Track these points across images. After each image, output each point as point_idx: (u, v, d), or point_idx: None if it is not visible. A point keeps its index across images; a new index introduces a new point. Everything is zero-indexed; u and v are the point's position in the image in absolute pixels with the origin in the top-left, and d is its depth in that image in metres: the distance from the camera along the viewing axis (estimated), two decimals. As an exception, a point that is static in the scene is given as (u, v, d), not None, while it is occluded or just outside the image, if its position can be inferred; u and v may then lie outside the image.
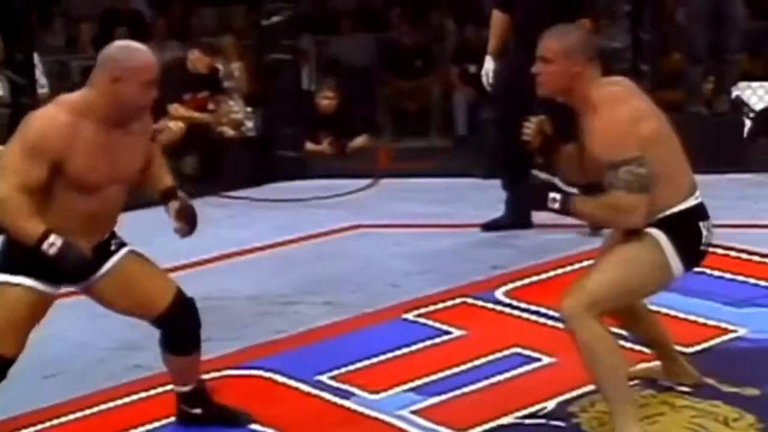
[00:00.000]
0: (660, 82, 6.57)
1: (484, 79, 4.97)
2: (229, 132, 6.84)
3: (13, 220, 2.60)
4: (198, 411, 3.02)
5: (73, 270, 2.65)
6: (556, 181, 2.84)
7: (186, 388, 3.00)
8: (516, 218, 5.00)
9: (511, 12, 4.86)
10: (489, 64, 4.92)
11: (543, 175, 2.82)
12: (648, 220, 2.72)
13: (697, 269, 4.01)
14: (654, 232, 2.74)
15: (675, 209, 2.75)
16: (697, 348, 3.51)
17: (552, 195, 2.72)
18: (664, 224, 2.74)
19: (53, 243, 2.59)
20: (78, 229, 2.69)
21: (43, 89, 6.68)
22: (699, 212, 2.80)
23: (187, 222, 2.93)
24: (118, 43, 2.78)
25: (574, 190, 2.89)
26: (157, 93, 2.74)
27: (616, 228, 2.84)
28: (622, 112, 2.69)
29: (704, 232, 2.79)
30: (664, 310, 3.83)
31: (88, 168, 2.65)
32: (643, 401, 3.07)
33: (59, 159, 2.62)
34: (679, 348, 3.46)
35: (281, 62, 6.60)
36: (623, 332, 3.15)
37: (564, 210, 2.73)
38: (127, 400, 3.27)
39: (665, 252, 2.74)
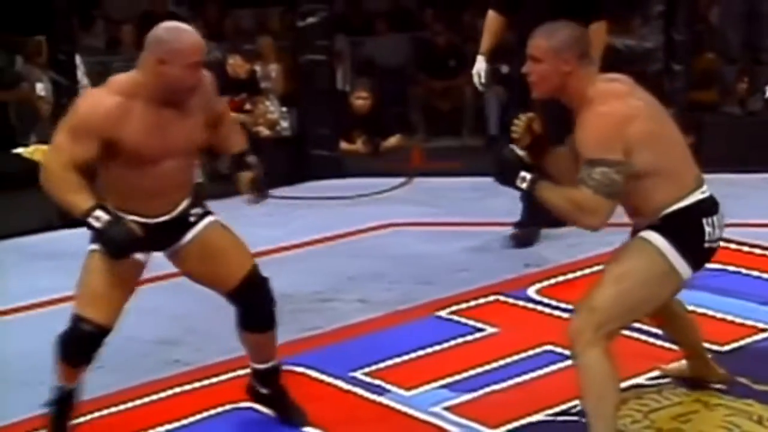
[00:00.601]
0: (693, 82, 6.49)
1: (475, 79, 4.87)
2: (264, 132, 6.87)
3: (63, 194, 2.66)
4: (266, 391, 3.02)
5: (116, 245, 2.66)
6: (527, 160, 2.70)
7: (261, 366, 3.00)
8: (538, 216, 4.96)
9: (509, 14, 4.75)
10: (480, 64, 4.82)
11: (519, 152, 2.69)
12: (650, 218, 2.64)
13: (732, 269, 3.97)
14: (654, 237, 2.63)
15: (676, 206, 2.64)
16: (731, 347, 3.48)
17: (523, 173, 2.63)
18: (666, 223, 2.64)
19: (98, 217, 2.64)
20: (141, 203, 2.76)
21: (84, 89, 6.76)
22: (703, 208, 2.67)
23: (259, 193, 2.94)
24: (165, 25, 2.78)
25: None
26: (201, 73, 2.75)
27: (574, 225, 2.67)
28: (616, 109, 2.58)
29: (708, 229, 2.66)
30: (699, 309, 3.80)
31: (140, 144, 2.68)
32: (677, 399, 3.05)
33: (108, 137, 2.66)
34: (713, 347, 3.44)
35: (316, 63, 6.61)
36: (659, 332, 3.13)
37: (529, 191, 2.63)
38: (163, 395, 3.30)
39: (668, 257, 2.63)
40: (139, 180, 2.73)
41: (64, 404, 2.90)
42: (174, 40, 2.69)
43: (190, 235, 2.86)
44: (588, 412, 2.64)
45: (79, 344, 2.78)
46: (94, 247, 2.77)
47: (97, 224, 2.64)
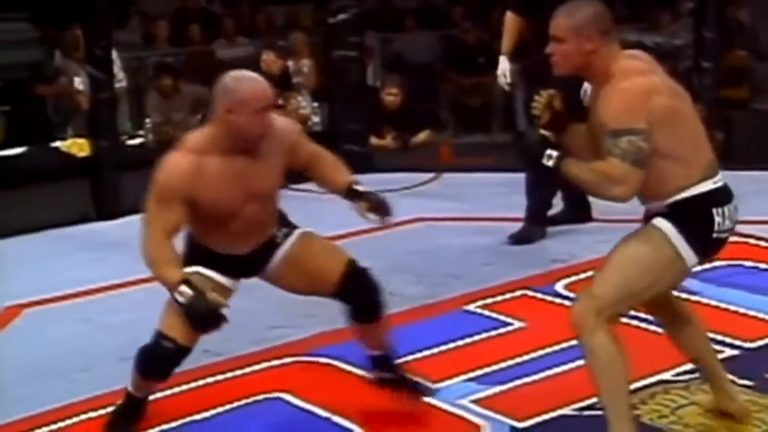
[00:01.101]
0: (723, 79, 6.43)
1: (501, 80, 4.91)
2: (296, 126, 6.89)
3: (157, 272, 2.77)
4: (389, 375, 3.03)
5: (199, 319, 2.75)
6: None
7: (377, 353, 3.01)
8: (573, 214, 4.96)
9: (526, 15, 4.79)
10: (504, 64, 4.87)
11: (542, 131, 2.65)
12: (660, 203, 2.59)
13: (763, 266, 3.92)
14: (662, 224, 2.58)
15: (687, 194, 2.57)
16: (759, 343, 3.44)
17: (549, 151, 2.59)
18: (675, 210, 2.58)
19: (182, 292, 2.71)
20: (230, 244, 2.84)
21: (120, 83, 6.82)
22: (714, 197, 2.59)
23: (382, 214, 2.95)
24: (232, 74, 2.80)
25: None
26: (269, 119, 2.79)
27: (602, 198, 2.61)
28: (638, 82, 2.54)
29: (717, 219, 2.57)
30: (726, 306, 3.78)
31: (219, 196, 2.75)
32: (705, 395, 3.02)
33: (189, 197, 2.74)
34: (741, 343, 3.41)
35: (347, 59, 6.61)
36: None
37: (556, 168, 2.58)
38: (193, 384, 3.32)
39: (675, 244, 2.56)
40: (225, 226, 2.80)
41: (131, 411, 2.96)
42: (240, 89, 2.72)
43: (278, 256, 2.91)
44: (601, 395, 2.62)
45: (159, 361, 2.83)
46: (191, 270, 2.81)
47: (181, 299, 2.71)
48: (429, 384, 3.10)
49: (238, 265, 2.89)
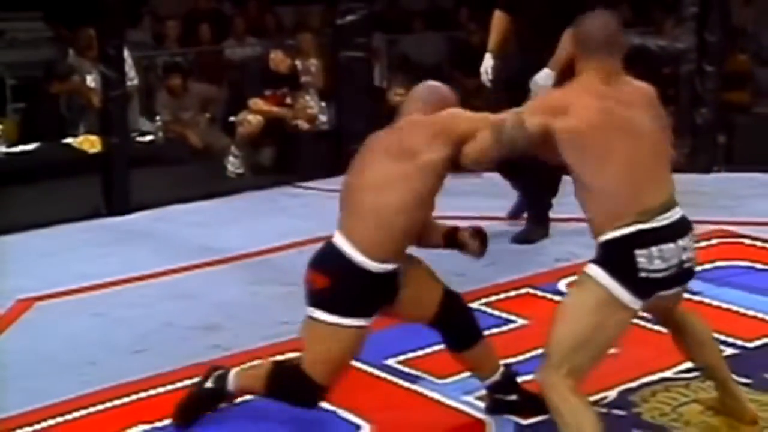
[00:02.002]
0: (726, 83, 6.42)
1: (483, 77, 4.89)
2: (304, 125, 6.89)
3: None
4: (514, 397, 2.95)
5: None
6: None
7: (494, 378, 2.93)
8: (525, 206, 4.94)
9: (514, 14, 4.78)
10: (488, 62, 4.85)
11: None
12: (596, 240, 2.54)
13: (761, 267, 3.91)
14: (590, 269, 2.51)
15: (610, 235, 2.49)
16: (759, 343, 3.44)
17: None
18: (601, 251, 2.52)
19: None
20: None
21: (132, 82, 6.83)
22: (639, 239, 2.47)
23: (480, 251, 2.91)
24: (426, 84, 2.91)
25: None
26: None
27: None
28: (561, 95, 2.65)
29: (641, 260, 2.46)
30: (727, 305, 3.77)
31: None
32: (705, 394, 3.02)
33: None
34: (741, 342, 3.40)
35: (355, 59, 6.61)
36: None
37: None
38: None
39: (605, 286, 2.48)
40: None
41: (215, 400, 2.92)
42: (433, 93, 2.87)
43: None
44: None
45: (305, 403, 2.81)
46: (354, 323, 2.69)
47: None
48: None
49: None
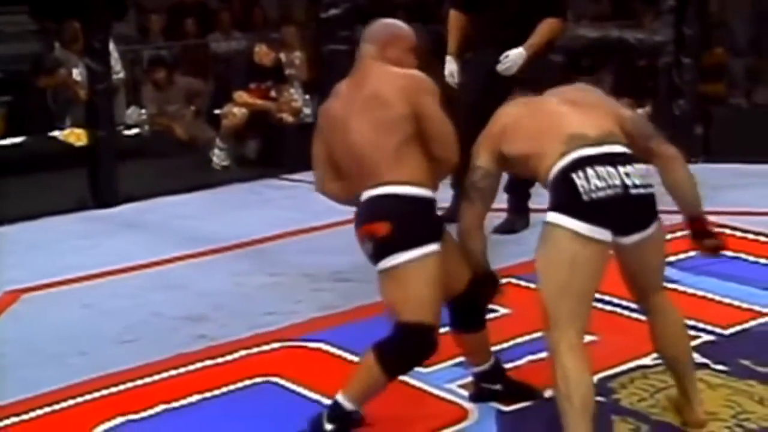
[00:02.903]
0: (702, 75, 6.45)
1: (449, 79, 4.79)
2: (288, 118, 6.88)
3: None
4: (498, 387, 2.95)
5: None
6: None
7: (484, 368, 2.93)
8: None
9: (470, 12, 4.68)
10: (452, 65, 4.65)
11: None
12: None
13: (736, 255, 3.93)
14: (547, 216, 2.56)
15: (550, 177, 2.56)
16: (734, 330, 3.46)
17: None
18: (549, 197, 2.58)
19: None
20: None
21: (118, 75, 6.79)
22: (571, 165, 2.52)
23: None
24: (382, 22, 2.86)
25: None
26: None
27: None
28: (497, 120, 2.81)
29: (580, 182, 2.48)
30: (703, 293, 3.79)
31: None
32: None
33: None
34: (717, 330, 3.43)
35: (338, 52, 6.59)
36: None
37: None
38: (191, 367, 3.32)
39: (561, 224, 2.49)
40: None
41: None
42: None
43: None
44: (559, 405, 2.52)
45: (428, 351, 2.68)
46: (426, 251, 2.61)
47: None
48: (540, 389, 2.95)
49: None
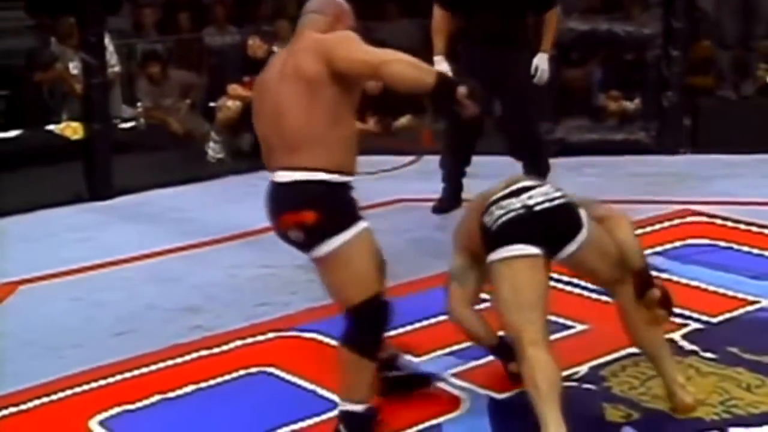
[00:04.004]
0: (690, 67, 6.44)
1: None
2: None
3: (422, 67, 2.56)
4: (398, 373, 2.95)
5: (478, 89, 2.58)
6: None
7: (383, 354, 2.85)
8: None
9: (454, 9, 4.59)
10: (444, 65, 4.42)
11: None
12: None
13: (725, 245, 3.91)
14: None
15: None
16: (723, 318, 3.45)
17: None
18: None
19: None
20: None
21: (113, 69, 6.75)
22: (482, 213, 2.74)
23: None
24: None
25: None
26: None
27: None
28: None
29: (486, 220, 2.71)
30: (692, 282, 3.78)
31: None
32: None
33: None
34: (705, 318, 3.42)
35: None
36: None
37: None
38: (188, 357, 3.30)
39: (492, 259, 2.68)
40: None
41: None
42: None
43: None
44: (530, 396, 2.57)
45: (386, 318, 2.65)
46: (360, 228, 2.60)
47: (463, 88, 2.54)
48: (435, 374, 3.02)
49: None
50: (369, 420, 2.66)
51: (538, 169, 4.67)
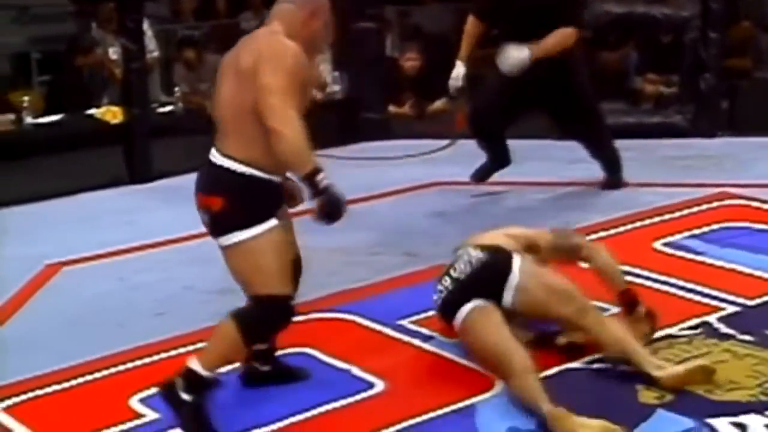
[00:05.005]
0: (729, 49, 6.33)
1: (452, 83, 4.84)
2: (316, 94, 6.84)
3: (303, 154, 2.53)
4: (267, 368, 2.99)
5: (336, 207, 2.62)
6: None
7: (262, 345, 2.94)
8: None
9: (490, 22, 4.76)
10: (461, 69, 4.74)
11: None
12: None
13: (760, 227, 3.86)
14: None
15: None
16: (759, 301, 3.41)
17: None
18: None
19: (323, 178, 2.56)
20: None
21: (152, 54, 6.80)
22: None
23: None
24: None
25: None
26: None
27: None
28: None
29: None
30: (729, 265, 3.74)
31: (305, 100, 2.64)
32: (707, 349, 3.01)
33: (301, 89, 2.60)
34: (742, 300, 3.38)
35: (367, 30, 6.56)
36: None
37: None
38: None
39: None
40: None
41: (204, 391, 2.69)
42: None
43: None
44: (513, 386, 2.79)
45: (283, 320, 2.72)
46: (267, 227, 2.63)
47: (324, 183, 2.57)
48: (307, 371, 3.04)
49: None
50: (209, 385, 2.68)
51: (608, 161, 4.87)
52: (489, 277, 2.95)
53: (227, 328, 2.68)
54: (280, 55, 2.58)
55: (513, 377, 2.74)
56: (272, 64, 2.55)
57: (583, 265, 3.21)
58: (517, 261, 2.96)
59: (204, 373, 2.66)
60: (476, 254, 3.00)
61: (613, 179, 4.93)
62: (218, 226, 2.66)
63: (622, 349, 2.84)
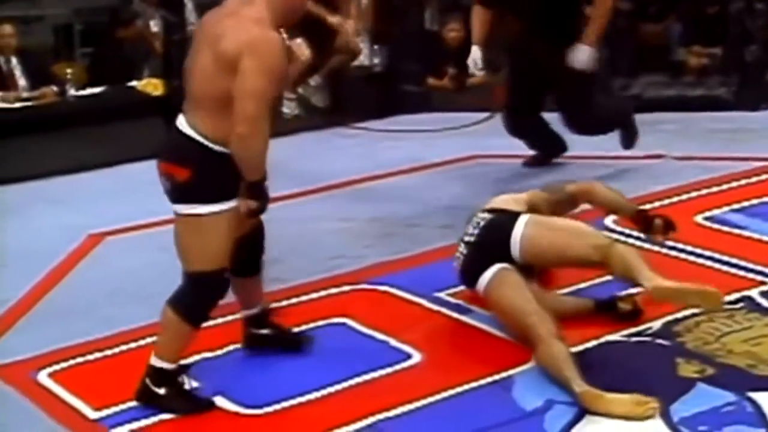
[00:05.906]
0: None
1: (471, 65, 4.91)
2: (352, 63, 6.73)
3: (262, 157, 2.60)
4: (266, 331, 3.02)
5: (265, 208, 2.72)
6: None
7: (254, 310, 2.99)
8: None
9: (495, 7, 4.80)
10: (477, 53, 4.84)
11: None
12: None
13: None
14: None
15: None
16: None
17: None
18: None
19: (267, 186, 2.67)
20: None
21: (192, 26, 6.82)
22: None
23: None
24: None
25: None
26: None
27: None
28: None
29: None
30: (758, 236, 3.69)
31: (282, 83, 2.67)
32: (748, 324, 2.99)
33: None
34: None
35: (407, 2, 6.53)
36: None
37: None
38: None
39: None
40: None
41: (175, 382, 2.74)
42: None
43: None
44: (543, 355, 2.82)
45: (219, 295, 2.74)
46: (225, 207, 2.66)
47: (266, 190, 2.66)
48: (309, 337, 3.07)
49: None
50: (176, 375, 2.73)
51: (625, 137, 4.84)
52: (496, 234, 3.03)
53: (168, 316, 2.74)
54: (265, 54, 2.54)
55: (539, 344, 2.74)
56: (256, 63, 2.52)
57: (588, 206, 3.36)
58: (523, 217, 3.04)
59: (166, 365, 2.73)
60: (483, 216, 3.12)
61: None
62: (180, 194, 2.68)
63: (625, 267, 2.86)
